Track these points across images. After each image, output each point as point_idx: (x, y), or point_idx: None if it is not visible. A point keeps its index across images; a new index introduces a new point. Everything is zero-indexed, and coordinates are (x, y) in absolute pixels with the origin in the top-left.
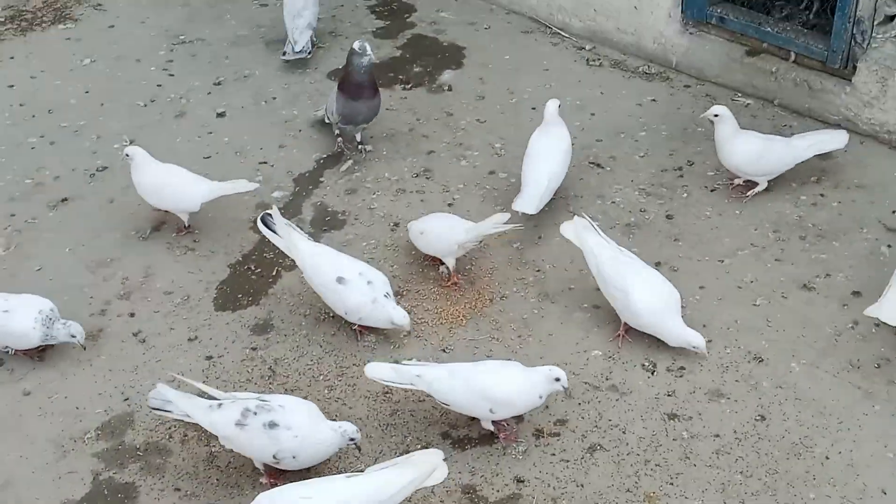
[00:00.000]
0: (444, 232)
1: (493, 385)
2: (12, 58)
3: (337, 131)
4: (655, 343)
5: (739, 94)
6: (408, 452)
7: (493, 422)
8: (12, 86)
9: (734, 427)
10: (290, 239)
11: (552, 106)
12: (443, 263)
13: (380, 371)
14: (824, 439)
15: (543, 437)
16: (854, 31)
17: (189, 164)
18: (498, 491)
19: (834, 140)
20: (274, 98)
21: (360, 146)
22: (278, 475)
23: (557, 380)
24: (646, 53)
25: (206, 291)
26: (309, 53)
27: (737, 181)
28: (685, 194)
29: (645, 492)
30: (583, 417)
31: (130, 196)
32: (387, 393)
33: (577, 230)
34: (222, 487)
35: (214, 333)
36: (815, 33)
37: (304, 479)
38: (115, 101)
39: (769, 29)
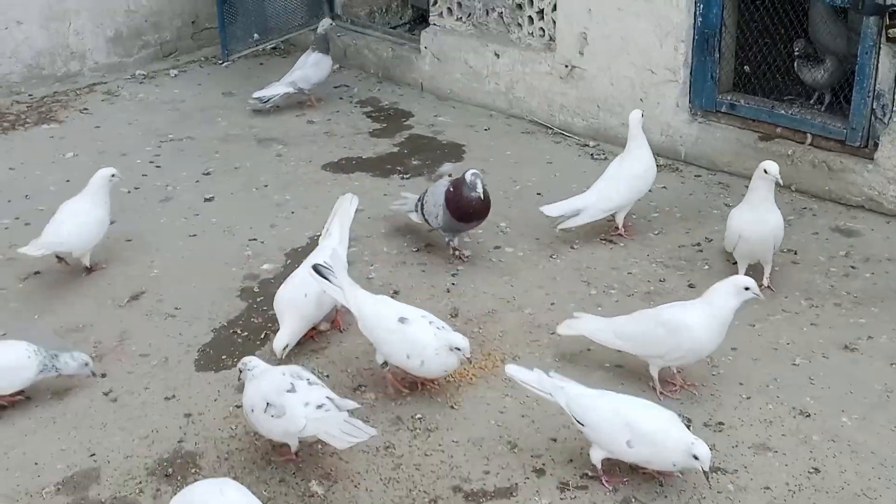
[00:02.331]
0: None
1: (643, 418)
2: None
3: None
4: (689, 399)
5: None
6: None
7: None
8: None
9: (786, 480)
10: (349, 286)
11: (635, 116)
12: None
13: (520, 371)
14: (889, 490)
15: (569, 489)
16: (874, 106)
17: (173, 242)
18: None
19: None
20: (265, 185)
21: (456, 252)
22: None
23: (696, 457)
24: (653, 146)
25: (186, 353)
26: (266, 103)
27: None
28: (706, 266)
29: None
30: (612, 472)
31: (109, 268)
32: (388, 447)
33: (574, 325)
34: None
35: (194, 392)
36: (831, 113)
37: None
38: None
39: (783, 112)
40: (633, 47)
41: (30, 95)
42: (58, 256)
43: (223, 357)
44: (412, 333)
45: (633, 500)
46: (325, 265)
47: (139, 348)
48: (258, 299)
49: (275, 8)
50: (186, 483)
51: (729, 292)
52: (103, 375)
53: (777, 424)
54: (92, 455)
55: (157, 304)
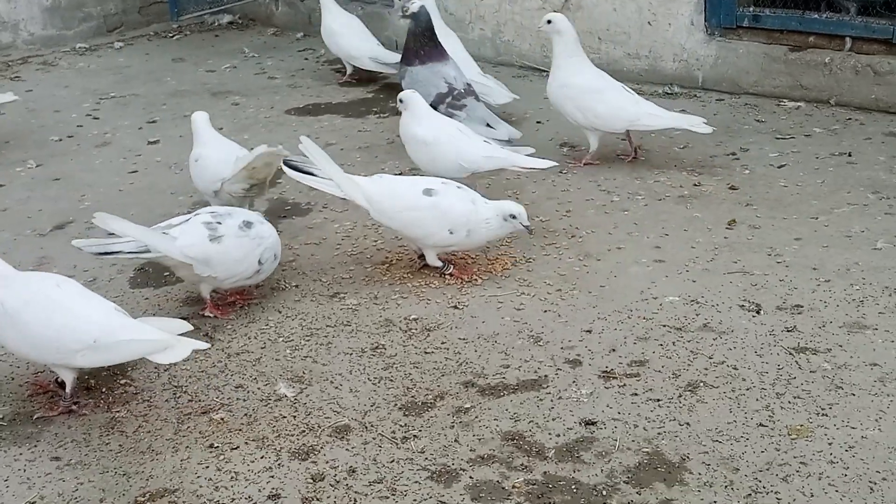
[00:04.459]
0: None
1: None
2: None
3: None
4: (752, 284)
5: (786, 100)
6: (413, 405)
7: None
8: None
9: None
10: (343, 174)
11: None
12: None
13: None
14: None
15: (616, 377)
16: None
17: (109, 178)
18: (558, 436)
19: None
20: (220, 129)
21: None
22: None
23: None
24: (666, 76)
25: (119, 273)
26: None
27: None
28: (747, 171)
29: (788, 425)
30: (669, 357)
31: (31, 202)
32: (376, 348)
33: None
34: (126, 454)
35: (129, 309)
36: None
37: None
38: (24, 138)
39: (816, 17)
40: None
41: None
42: None
43: (165, 275)
44: (447, 204)
45: (702, 384)
46: (297, 159)
47: (62, 270)
48: None
49: None
50: None
51: None
52: None
53: (870, 304)
54: None
55: (87, 232)
